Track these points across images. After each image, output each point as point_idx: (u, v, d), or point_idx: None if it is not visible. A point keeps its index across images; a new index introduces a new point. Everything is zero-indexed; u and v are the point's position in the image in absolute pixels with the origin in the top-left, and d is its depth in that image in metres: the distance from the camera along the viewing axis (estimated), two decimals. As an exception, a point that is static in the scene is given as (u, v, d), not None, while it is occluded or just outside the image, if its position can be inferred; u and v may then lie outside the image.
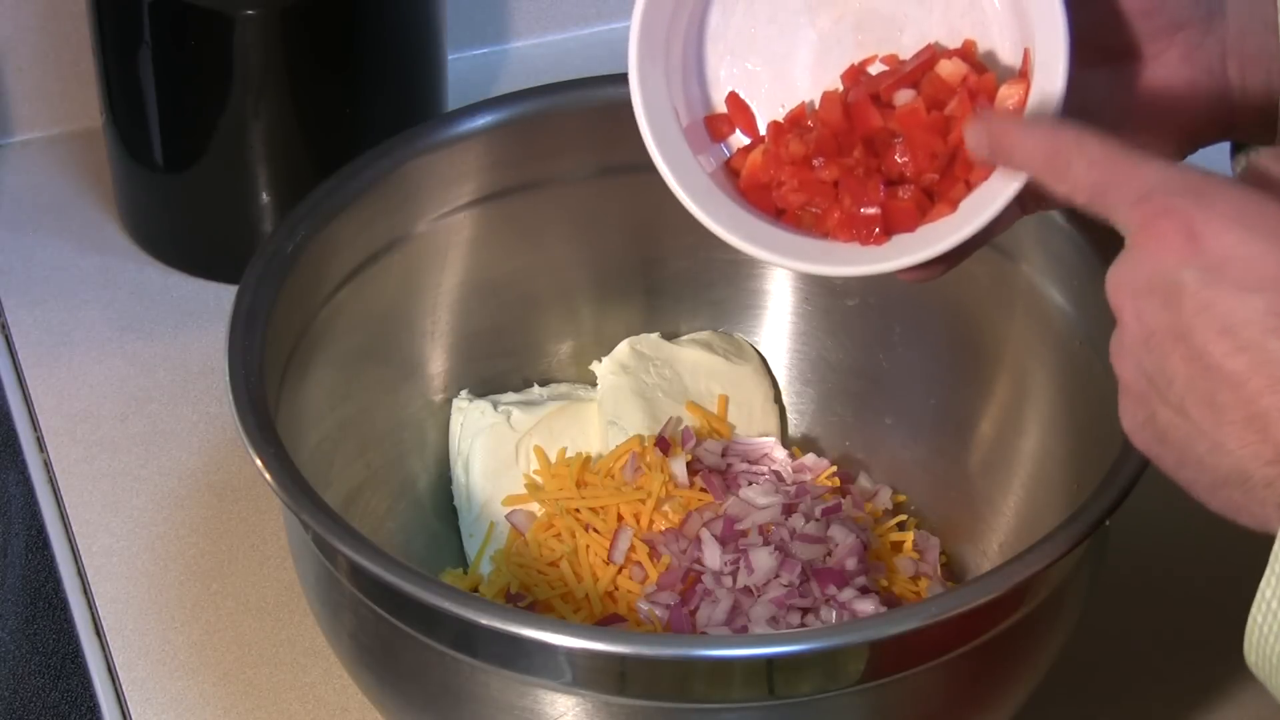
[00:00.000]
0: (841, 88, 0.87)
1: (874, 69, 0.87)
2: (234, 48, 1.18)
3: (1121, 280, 0.73)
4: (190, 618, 1.07)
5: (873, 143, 0.85)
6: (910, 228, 0.84)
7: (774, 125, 0.88)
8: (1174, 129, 0.85)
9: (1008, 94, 0.82)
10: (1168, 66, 0.85)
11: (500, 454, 1.06)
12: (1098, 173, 0.74)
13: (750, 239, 0.85)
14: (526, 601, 0.99)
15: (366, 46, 1.22)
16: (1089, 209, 0.74)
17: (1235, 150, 0.87)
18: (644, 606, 0.98)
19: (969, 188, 0.83)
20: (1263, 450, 0.69)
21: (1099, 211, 0.74)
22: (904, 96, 0.84)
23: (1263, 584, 0.70)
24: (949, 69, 0.84)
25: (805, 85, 0.88)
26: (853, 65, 0.88)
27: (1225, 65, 0.84)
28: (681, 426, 1.06)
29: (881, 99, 0.85)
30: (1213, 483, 0.72)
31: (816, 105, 0.88)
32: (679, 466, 1.03)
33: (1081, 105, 0.83)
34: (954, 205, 0.83)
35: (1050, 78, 0.80)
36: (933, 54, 0.85)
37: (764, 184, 0.87)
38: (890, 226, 0.84)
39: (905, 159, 0.84)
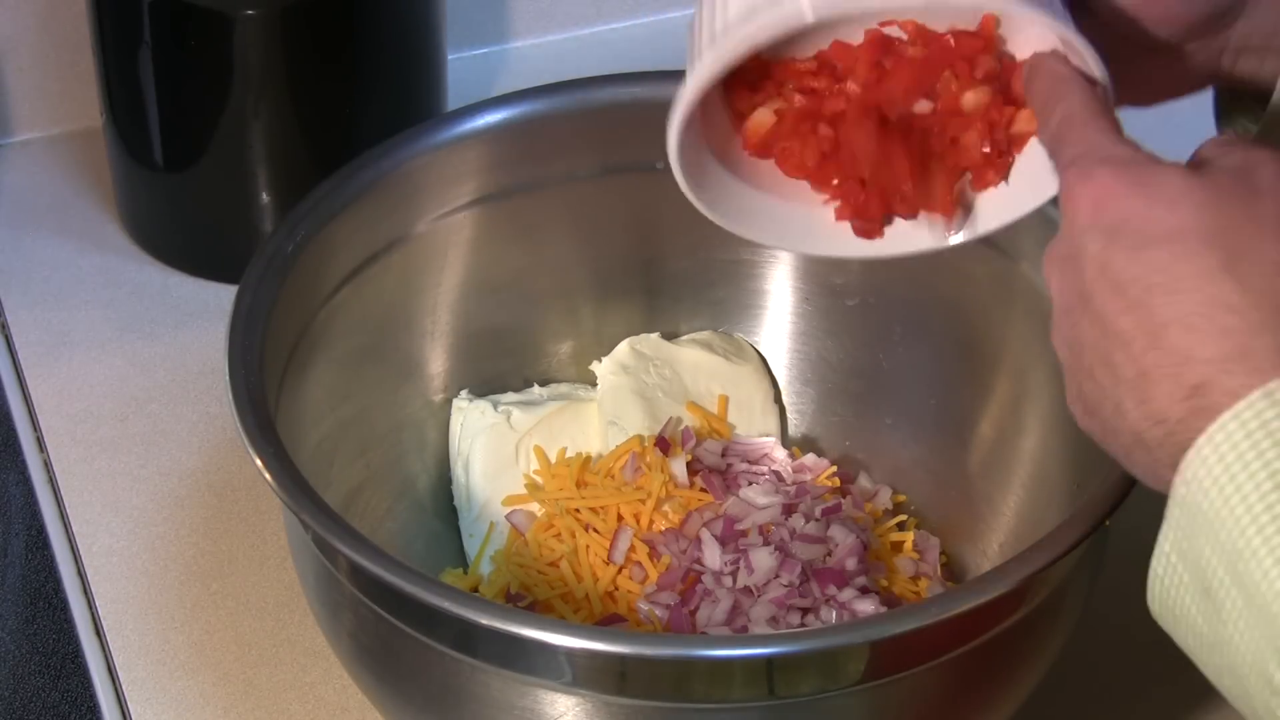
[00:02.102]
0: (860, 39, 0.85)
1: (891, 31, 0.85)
2: (234, 48, 1.18)
3: (1050, 252, 0.76)
4: (190, 618, 1.07)
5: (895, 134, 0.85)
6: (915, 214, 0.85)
7: (793, 114, 0.85)
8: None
9: (1026, 126, 0.83)
10: (1179, 61, 0.86)
11: (500, 454, 1.06)
12: (1061, 127, 0.77)
13: (755, 226, 0.86)
14: (526, 601, 0.99)
15: (366, 46, 1.22)
16: (1051, 153, 0.77)
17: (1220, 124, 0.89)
18: (644, 606, 0.98)
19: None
20: (1150, 410, 0.71)
21: (1052, 160, 0.77)
22: (922, 106, 0.84)
23: (1160, 537, 0.72)
24: (971, 102, 0.84)
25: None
26: (873, 32, 0.84)
27: (1221, 56, 0.86)
28: (681, 426, 1.06)
29: (901, 103, 0.85)
30: (1125, 447, 0.73)
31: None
32: (679, 466, 1.03)
33: None
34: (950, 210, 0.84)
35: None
36: (948, 52, 0.83)
37: (769, 145, 0.86)
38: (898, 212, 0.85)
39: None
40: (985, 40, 0.83)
